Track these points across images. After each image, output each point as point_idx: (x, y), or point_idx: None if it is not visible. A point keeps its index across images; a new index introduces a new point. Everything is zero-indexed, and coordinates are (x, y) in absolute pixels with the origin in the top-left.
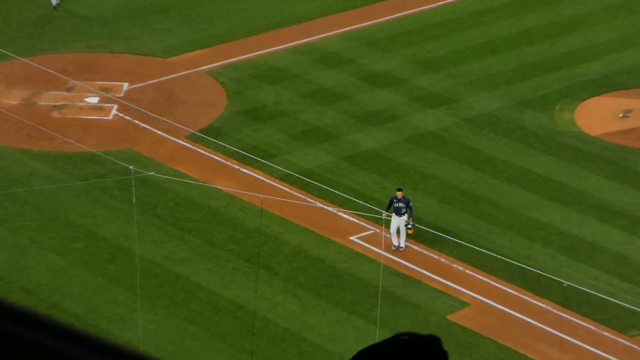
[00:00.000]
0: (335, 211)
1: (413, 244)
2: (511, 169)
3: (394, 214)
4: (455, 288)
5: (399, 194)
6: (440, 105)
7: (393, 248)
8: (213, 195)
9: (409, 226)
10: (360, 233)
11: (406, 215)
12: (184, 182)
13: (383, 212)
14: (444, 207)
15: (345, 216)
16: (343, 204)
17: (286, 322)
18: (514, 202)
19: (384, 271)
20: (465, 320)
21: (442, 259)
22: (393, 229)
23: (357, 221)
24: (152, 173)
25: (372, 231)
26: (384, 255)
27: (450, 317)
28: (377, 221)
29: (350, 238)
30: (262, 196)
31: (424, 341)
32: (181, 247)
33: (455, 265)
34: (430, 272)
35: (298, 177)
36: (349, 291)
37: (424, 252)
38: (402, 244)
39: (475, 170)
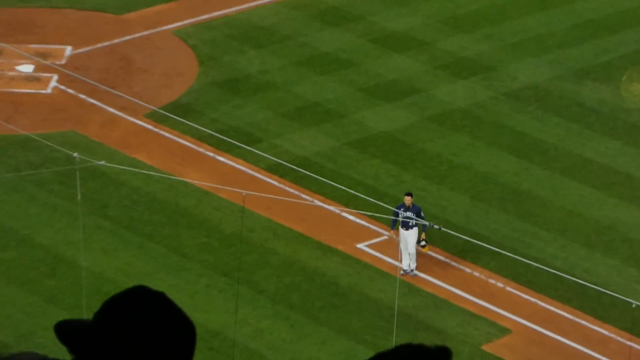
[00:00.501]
0: (338, 211)
1: (438, 253)
2: (565, 157)
3: (400, 228)
4: (492, 310)
5: (408, 200)
6: (474, 75)
7: (401, 272)
8: (181, 191)
9: (422, 243)
10: (370, 239)
11: (416, 228)
12: (144, 174)
13: (387, 232)
14: (478, 206)
15: (352, 218)
16: (348, 202)
17: (275, 354)
18: (569, 199)
19: (401, 288)
20: (505, 351)
21: (475, 273)
22: (401, 245)
23: (366, 224)
24: (103, 162)
25: (385, 237)
26: (401, 267)
27: (486, 347)
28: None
29: (358, 246)
30: (244, 192)
31: (432, 353)
32: (140, 258)
33: (492, 281)
34: (461, 290)
35: (290, 167)
36: (355, 314)
37: (453, 264)
38: (414, 267)
39: (518, 159)
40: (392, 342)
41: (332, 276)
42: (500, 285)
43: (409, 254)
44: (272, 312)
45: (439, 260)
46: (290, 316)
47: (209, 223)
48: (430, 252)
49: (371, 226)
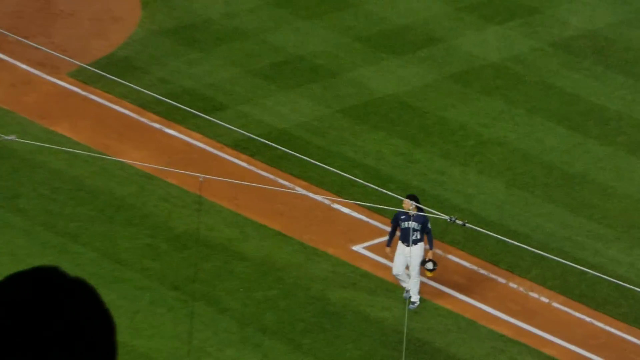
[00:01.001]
0: (328, 202)
1: (463, 259)
2: (632, 129)
3: (400, 242)
4: (534, 333)
5: (408, 205)
6: (511, 20)
7: (405, 295)
8: (117, 176)
9: (428, 265)
10: (370, 239)
11: (421, 244)
12: (68, 152)
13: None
14: (516, 194)
15: (346, 210)
16: (342, 189)
17: None
18: (637, 184)
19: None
20: None
21: (512, 284)
22: (399, 266)
23: (365, 219)
24: (13, 137)
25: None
26: (404, 287)
27: None
28: None
29: (354, 248)
30: (202, 177)
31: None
32: (62, 265)
33: (534, 295)
34: (493, 307)
35: (265, 143)
36: (351, 340)
37: (481, 272)
38: (415, 295)
39: (570, 131)
40: None
41: (320, 289)
42: (544, 300)
43: (409, 277)
44: (238, 337)
45: (463, 268)
46: (263, 343)
47: (154, 218)
48: (452, 257)
49: (372, 222)
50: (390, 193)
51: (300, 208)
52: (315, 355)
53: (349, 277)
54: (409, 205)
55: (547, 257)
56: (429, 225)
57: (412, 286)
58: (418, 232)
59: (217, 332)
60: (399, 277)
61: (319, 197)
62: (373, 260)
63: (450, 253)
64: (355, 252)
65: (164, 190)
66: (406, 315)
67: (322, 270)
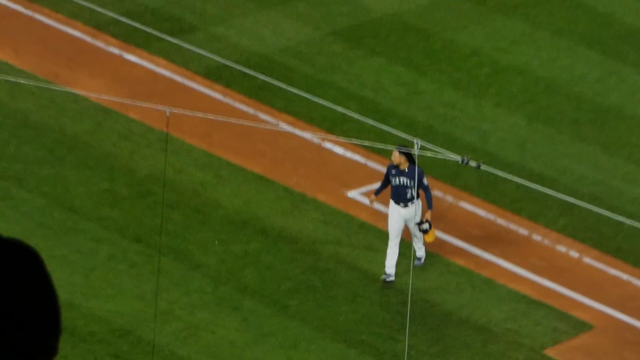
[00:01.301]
0: (318, 141)
1: (477, 206)
2: None
3: (392, 201)
4: (562, 294)
5: (397, 159)
6: None
7: (383, 278)
8: (68, 109)
9: (424, 226)
10: (367, 184)
11: (415, 203)
12: (9, 81)
13: (371, 197)
14: (539, 131)
15: (339, 150)
16: (334, 125)
17: None
18: None
19: (418, 262)
20: (582, 358)
21: (536, 237)
22: (393, 229)
23: (362, 160)
24: None
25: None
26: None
27: (552, 353)
28: None
29: (349, 194)
30: (169, 110)
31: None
32: (5, 211)
33: (562, 249)
34: (513, 263)
35: (242, 71)
36: (346, 301)
37: (499, 222)
38: (420, 250)
39: (603, 57)
40: (405, 344)
41: (309, 242)
42: (574, 255)
43: (413, 239)
44: (213, 298)
45: (478, 218)
46: (242, 305)
47: (112, 159)
48: (465, 205)
49: (369, 163)
50: (391, 130)
51: (285, 148)
52: (304, 319)
53: (344, 228)
54: (399, 159)
55: (577, 204)
56: (426, 181)
57: (416, 246)
58: (412, 189)
59: (187, 293)
60: (390, 246)
61: (307, 135)
62: (371, 208)
63: (462, 200)
64: (350, 198)
65: (124, 126)
66: (411, 272)
67: (312, 220)
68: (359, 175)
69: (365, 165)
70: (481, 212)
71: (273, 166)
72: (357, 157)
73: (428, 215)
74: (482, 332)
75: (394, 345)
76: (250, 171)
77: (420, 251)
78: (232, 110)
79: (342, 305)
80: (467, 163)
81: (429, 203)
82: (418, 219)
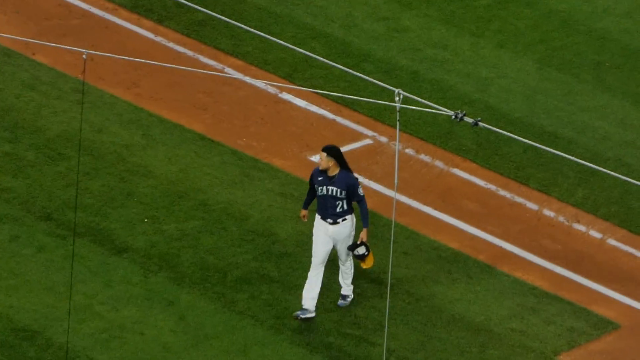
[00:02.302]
0: (274, 91)
1: (474, 174)
2: None
3: (317, 216)
4: (580, 284)
5: (325, 162)
6: None
7: (300, 314)
8: None
9: (359, 250)
10: (341, 145)
11: (348, 219)
12: None
13: (370, 131)
14: (552, 78)
15: (301, 103)
16: (294, 71)
17: None
18: None
19: (401, 242)
20: None
21: (547, 212)
22: (318, 253)
23: (329, 115)
24: None
25: (368, 141)
26: (398, 199)
27: (566, 359)
28: (382, 116)
29: (312, 158)
30: (86, 52)
31: None
32: None
33: (580, 228)
34: (519, 246)
35: (178, 2)
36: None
37: (502, 193)
38: (347, 286)
39: None
40: (382, 348)
41: (263, 220)
42: (595, 235)
43: (341, 270)
44: (141, 290)
45: (476, 188)
46: (179, 299)
47: (15, 114)
48: (459, 172)
49: (338, 119)
50: (366, 77)
51: (233, 99)
52: (256, 317)
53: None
54: (327, 162)
55: (600, 171)
56: (361, 192)
57: (343, 273)
58: (343, 202)
59: (110, 283)
60: (312, 269)
61: (259, 83)
62: None
63: (456, 166)
64: (316, 163)
65: (30, 72)
66: (391, 258)
67: (266, 191)
68: (326, 135)
69: (333, 122)
70: (479, 182)
71: (218, 123)
72: (323, 112)
73: (364, 236)
74: (480, 333)
75: (369, 349)
76: (188, 129)
77: (346, 288)
78: (165, 52)
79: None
80: (461, 119)
81: (364, 219)
82: (351, 241)
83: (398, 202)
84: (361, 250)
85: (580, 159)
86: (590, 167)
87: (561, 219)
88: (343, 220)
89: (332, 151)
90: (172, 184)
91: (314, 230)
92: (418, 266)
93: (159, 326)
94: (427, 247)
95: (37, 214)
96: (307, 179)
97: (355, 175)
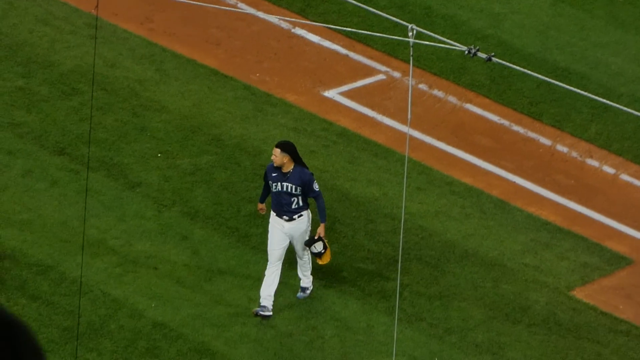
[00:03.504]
0: (287, 26)
1: (487, 109)
2: None
3: (272, 213)
4: (594, 219)
5: (279, 158)
6: None
7: (258, 310)
8: None
9: (316, 248)
10: (349, 82)
11: (304, 215)
12: None
13: (382, 66)
14: (566, 13)
15: (314, 38)
16: (307, 6)
17: (163, 307)
18: None
19: (414, 177)
20: (619, 300)
21: (560, 147)
22: (274, 250)
23: (343, 50)
24: None
25: (381, 76)
26: (411, 135)
27: (580, 294)
28: (395, 51)
29: (326, 94)
30: None
31: None
32: None
33: (594, 163)
34: (532, 182)
35: None
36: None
37: (515, 128)
38: (306, 278)
39: None
40: (396, 283)
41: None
42: (608, 170)
43: (299, 264)
44: (155, 225)
45: (489, 123)
46: (192, 233)
47: (28, 50)
48: (472, 107)
49: (352, 55)
50: (380, 13)
51: (246, 35)
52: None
53: (319, 136)
54: (281, 158)
55: (613, 107)
56: (317, 187)
57: (302, 266)
58: (298, 198)
59: (123, 218)
60: (270, 267)
61: (272, 19)
62: (354, 111)
63: (469, 102)
64: (328, 99)
65: (43, 7)
66: (404, 193)
67: (279, 126)
68: (339, 71)
69: (346, 57)
70: (492, 117)
71: (230, 58)
72: (336, 47)
73: (321, 231)
74: (493, 268)
75: (382, 284)
76: (201, 64)
77: (305, 280)
78: None
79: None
80: (475, 54)
81: (321, 215)
82: (307, 236)
83: (411, 137)
84: (318, 247)
85: (594, 94)
86: (604, 103)
87: (574, 154)
88: (299, 217)
89: (287, 147)
90: (185, 119)
91: (270, 227)
92: (431, 201)
93: (172, 260)
94: (441, 182)
95: (50, 149)
96: (320, 115)
97: (310, 171)
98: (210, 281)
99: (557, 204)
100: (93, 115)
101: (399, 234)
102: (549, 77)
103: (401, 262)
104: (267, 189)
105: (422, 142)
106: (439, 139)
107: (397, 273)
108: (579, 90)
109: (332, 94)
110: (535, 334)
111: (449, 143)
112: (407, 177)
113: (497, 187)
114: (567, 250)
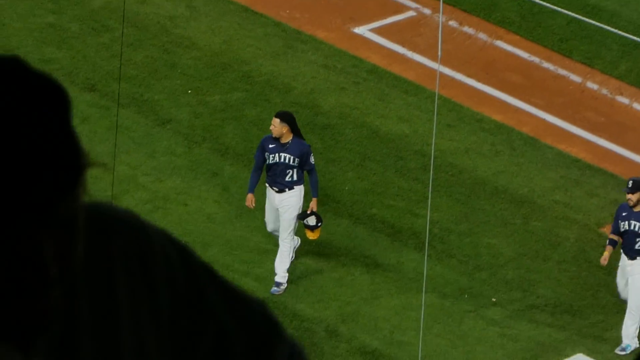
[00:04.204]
0: None
1: (517, 46)
2: None
3: (267, 185)
4: (624, 156)
5: (278, 129)
6: None
7: (273, 290)
8: None
9: (309, 222)
10: (380, 18)
11: (297, 189)
12: None
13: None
14: None
15: None
16: None
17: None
18: None
19: (444, 114)
20: None
21: (591, 84)
22: (268, 223)
23: None
24: None
25: (411, 13)
26: (441, 72)
27: (608, 231)
28: None
29: (356, 30)
30: None
31: None
32: None
33: (624, 100)
34: (562, 118)
35: None
36: (353, 166)
37: (545, 65)
38: (282, 272)
39: None
40: (426, 220)
41: (306, 92)
42: (638, 107)
43: (279, 250)
44: (185, 161)
45: (519, 60)
46: (223, 169)
47: None
48: (502, 44)
49: None
50: None
51: None
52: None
53: (349, 73)
54: (280, 129)
55: None
56: (312, 159)
57: (280, 255)
58: (294, 170)
59: (153, 154)
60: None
61: None
62: (384, 48)
63: (499, 38)
64: (358, 36)
65: None
66: (434, 130)
67: (309, 63)
68: (369, 7)
69: None
70: (522, 54)
71: None
72: None
73: (314, 205)
74: (523, 204)
75: (412, 220)
76: (231, 1)
77: (281, 274)
78: None
79: (348, 171)
80: None
81: (314, 189)
82: (297, 211)
83: (441, 74)
84: (311, 220)
85: (624, 31)
86: (634, 40)
87: (604, 91)
88: (290, 190)
89: (286, 116)
90: (215, 56)
91: (267, 199)
92: (461, 138)
93: (202, 197)
94: (471, 119)
95: (81, 85)
96: (350, 52)
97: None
98: (240, 218)
99: (587, 141)
100: (123, 52)
101: (429, 171)
102: (579, 14)
103: (431, 199)
104: (258, 172)
105: (452, 79)
106: (469, 75)
107: (427, 210)
108: (609, 27)
109: (362, 30)
110: (565, 270)
111: (479, 80)
112: (437, 114)
113: (527, 124)
114: (597, 187)
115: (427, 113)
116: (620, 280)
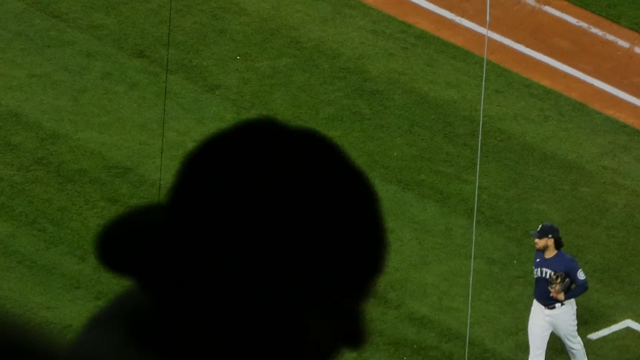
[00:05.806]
0: None
1: (565, 11)
2: None
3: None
4: None
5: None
6: None
7: None
8: None
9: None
10: None
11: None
12: None
13: None
14: None
15: None
16: None
17: None
18: None
19: (493, 77)
20: None
21: (639, 49)
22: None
23: None
24: None
25: None
26: (489, 37)
27: None
28: None
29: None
30: None
31: None
32: None
33: None
34: (611, 84)
35: None
36: (401, 132)
37: (594, 30)
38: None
39: None
40: (475, 186)
41: (354, 58)
42: None
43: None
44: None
45: (567, 25)
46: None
47: None
48: (550, 10)
49: None
50: None
51: None
52: (348, 154)
53: (398, 38)
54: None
55: None
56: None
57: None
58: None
59: (202, 120)
60: None
61: None
62: (433, 13)
63: (547, 4)
64: (407, 1)
65: None
66: (483, 96)
67: (358, 28)
68: None
69: None
70: (570, 19)
71: None
72: None
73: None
74: (572, 170)
75: (460, 186)
76: None
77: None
78: None
79: (396, 137)
80: None
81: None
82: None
83: (490, 39)
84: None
85: None
86: None
87: None
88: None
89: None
90: (264, 21)
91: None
92: (510, 104)
93: None
94: (519, 85)
95: (129, 51)
96: (399, 17)
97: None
98: None
99: (635, 107)
100: (172, 18)
101: (478, 137)
102: None
103: (479, 164)
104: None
105: (501, 45)
106: (517, 41)
107: (476, 176)
108: None
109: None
110: (613, 236)
111: (527, 45)
112: (485, 80)
113: (576, 89)
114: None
115: (475, 79)
116: None
